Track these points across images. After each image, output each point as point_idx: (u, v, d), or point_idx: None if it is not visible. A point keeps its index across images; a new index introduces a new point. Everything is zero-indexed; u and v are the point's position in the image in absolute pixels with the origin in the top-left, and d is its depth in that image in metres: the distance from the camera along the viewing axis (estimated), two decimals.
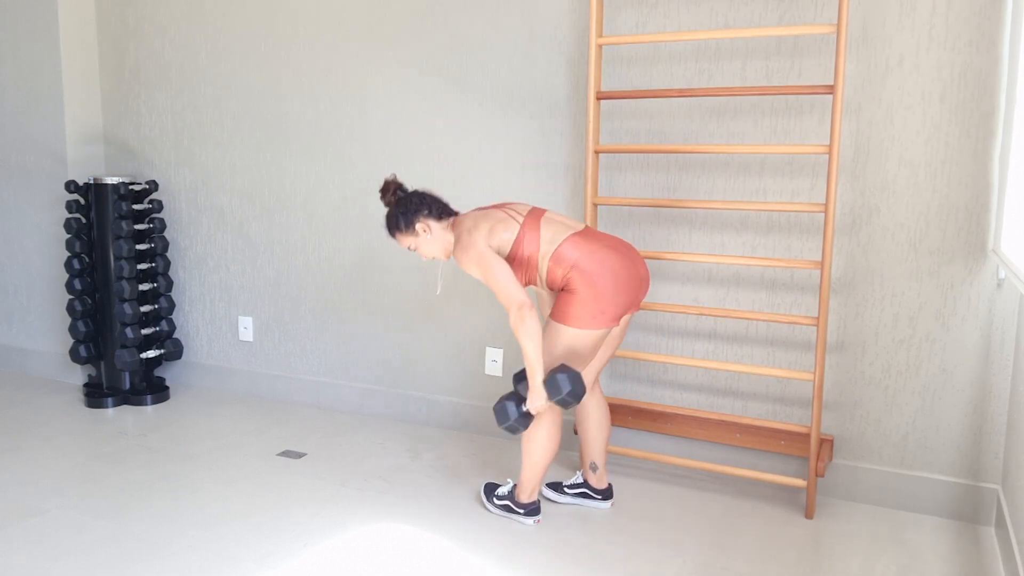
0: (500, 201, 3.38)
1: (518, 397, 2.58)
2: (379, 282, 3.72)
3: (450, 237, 2.64)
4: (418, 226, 2.61)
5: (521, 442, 2.70)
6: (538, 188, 3.33)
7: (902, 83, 2.74)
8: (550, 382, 2.50)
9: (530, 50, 3.28)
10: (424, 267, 3.60)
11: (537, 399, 2.51)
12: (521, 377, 2.64)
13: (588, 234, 2.59)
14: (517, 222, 2.58)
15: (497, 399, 2.71)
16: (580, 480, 2.93)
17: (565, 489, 2.93)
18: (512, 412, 2.56)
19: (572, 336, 2.53)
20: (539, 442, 2.64)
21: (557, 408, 2.60)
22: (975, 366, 2.76)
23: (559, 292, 2.59)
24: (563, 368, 2.49)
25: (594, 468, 2.88)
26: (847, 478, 2.95)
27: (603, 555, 2.55)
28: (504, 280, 2.48)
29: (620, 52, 3.13)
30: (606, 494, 2.90)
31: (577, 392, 2.48)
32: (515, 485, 2.78)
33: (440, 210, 2.64)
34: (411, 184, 3.58)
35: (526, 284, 2.62)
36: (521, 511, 2.74)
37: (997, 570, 2.49)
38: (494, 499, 2.81)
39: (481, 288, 3.49)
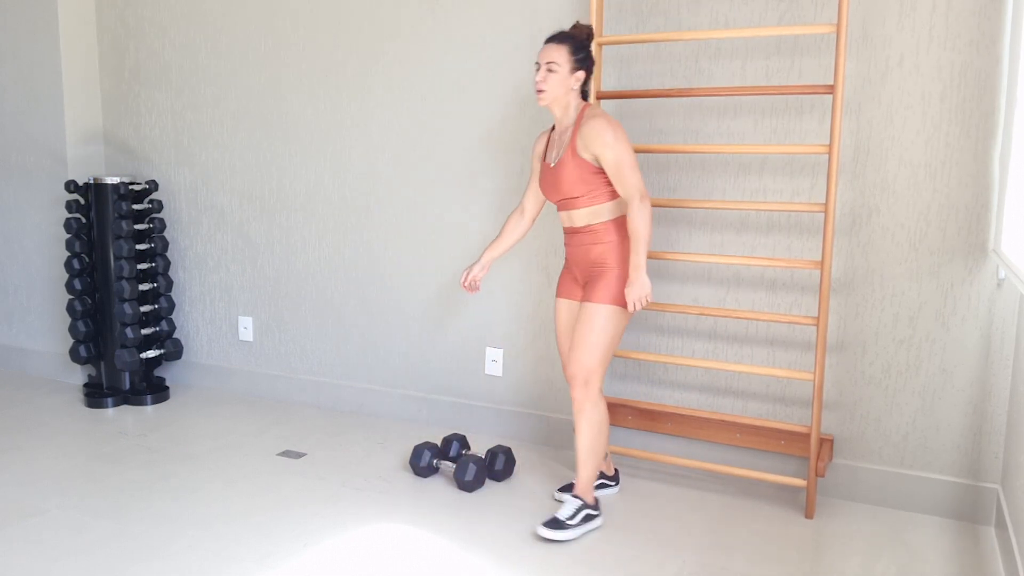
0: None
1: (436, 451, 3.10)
2: (379, 282, 3.72)
3: (574, 102, 2.62)
4: (578, 67, 2.58)
5: (579, 445, 2.67)
6: None
7: (902, 83, 2.74)
8: (463, 461, 2.96)
9: (530, 50, 3.27)
10: (424, 267, 3.60)
11: (639, 288, 2.53)
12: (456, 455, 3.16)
13: None
14: None
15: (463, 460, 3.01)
16: None
17: None
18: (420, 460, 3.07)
19: (619, 316, 2.61)
20: (597, 438, 2.66)
21: (598, 395, 2.64)
22: (975, 366, 2.76)
23: (597, 267, 2.63)
24: (476, 462, 2.94)
25: (605, 456, 2.90)
26: (847, 478, 2.95)
27: (603, 555, 2.55)
28: (635, 165, 2.54)
29: (620, 52, 3.13)
30: (616, 479, 3.00)
31: (478, 481, 2.95)
32: (581, 505, 2.68)
33: (586, 84, 2.66)
34: (409, 187, 3.58)
35: (611, 199, 2.62)
36: (596, 512, 2.72)
37: (997, 570, 2.49)
38: (565, 525, 2.62)
39: (480, 287, 3.49)
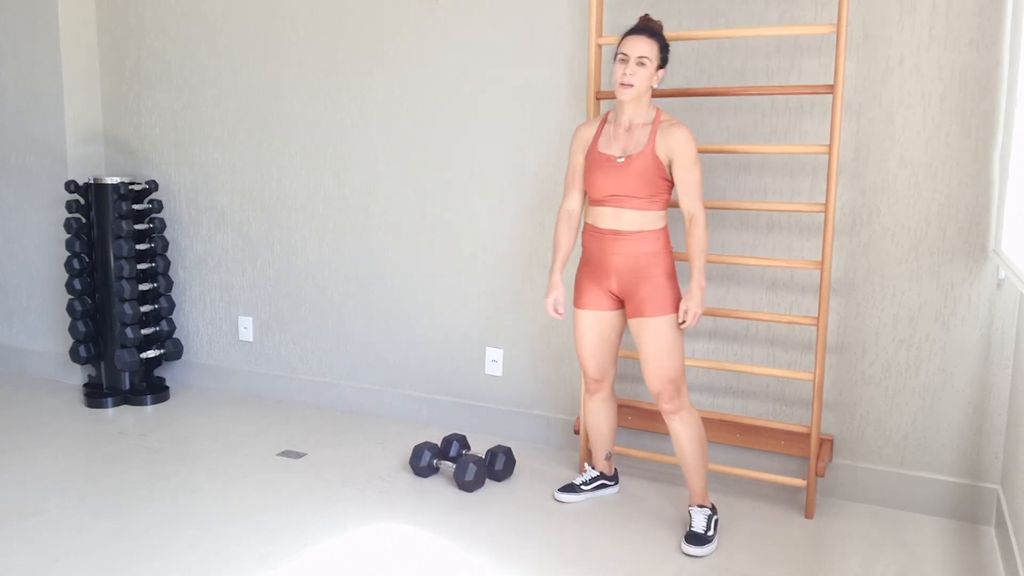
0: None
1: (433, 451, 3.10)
2: (379, 282, 3.72)
3: (647, 100, 2.55)
4: (662, 64, 2.52)
5: (686, 455, 2.63)
6: (538, 188, 3.33)
7: (902, 83, 2.74)
8: (463, 461, 2.96)
9: (530, 50, 3.27)
10: (424, 267, 3.60)
11: (699, 304, 2.51)
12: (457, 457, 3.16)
13: None
14: None
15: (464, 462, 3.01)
16: (595, 474, 2.96)
17: (581, 488, 2.94)
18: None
19: (678, 323, 2.57)
20: (702, 440, 2.65)
21: (690, 401, 2.64)
22: (975, 366, 2.76)
23: (646, 278, 2.55)
24: (476, 462, 2.96)
25: (609, 457, 2.93)
26: (847, 478, 2.95)
27: (603, 554, 2.55)
28: (702, 178, 2.55)
29: None
30: (615, 479, 3.01)
31: (478, 481, 2.96)
32: (709, 513, 2.65)
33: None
34: (409, 187, 3.58)
35: (664, 207, 2.60)
36: (717, 513, 2.70)
37: (997, 570, 2.49)
38: (708, 537, 2.60)
39: (481, 287, 3.49)
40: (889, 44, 2.74)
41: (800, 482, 2.82)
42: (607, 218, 2.58)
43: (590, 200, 2.66)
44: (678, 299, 2.57)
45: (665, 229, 2.59)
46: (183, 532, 2.65)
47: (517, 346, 3.46)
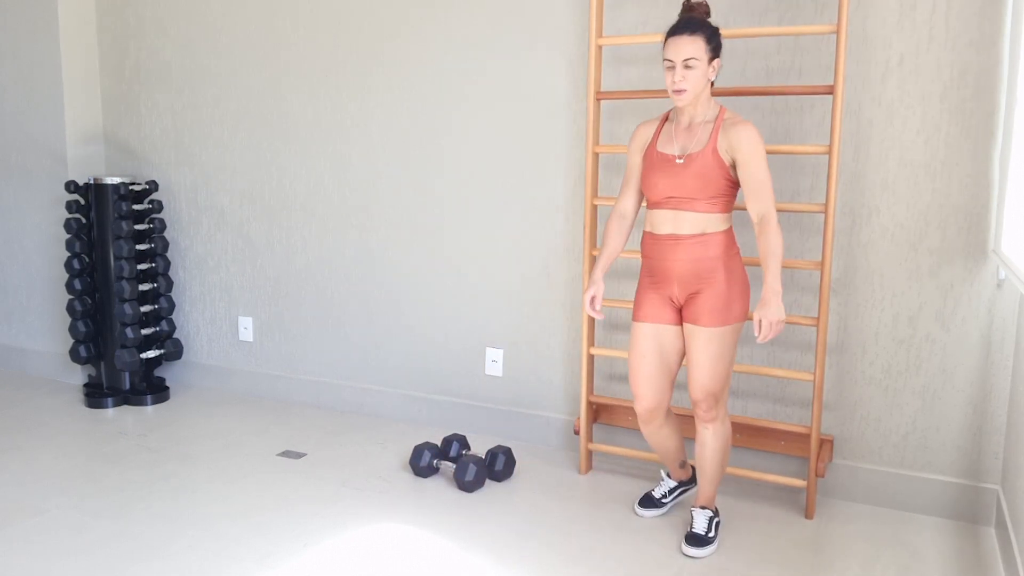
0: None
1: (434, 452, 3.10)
2: (379, 282, 3.72)
3: (705, 94, 2.42)
4: (714, 55, 2.37)
5: (707, 461, 2.58)
6: (538, 188, 3.33)
7: (902, 83, 2.74)
8: (463, 461, 2.96)
9: (530, 50, 3.27)
10: (424, 267, 3.60)
11: (776, 311, 2.32)
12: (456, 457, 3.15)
13: None
14: None
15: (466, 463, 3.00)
16: (673, 484, 2.85)
17: (662, 501, 2.84)
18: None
19: (736, 331, 2.47)
20: (726, 451, 2.60)
21: (726, 411, 2.58)
22: (975, 366, 2.76)
23: (708, 284, 2.43)
24: (476, 462, 2.96)
25: (683, 464, 2.82)
26: (847, 478, 2.95)
27: (603, 555, 2.55)
28: (770, 177, 2.43)
29: (620, 52, 3.13)
30: (693, 479, 2.90)
31: (478, 481, 2.96)
32: (712, 515, 2.64)
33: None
34: (409, 187, 3.58)
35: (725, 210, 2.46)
36: (719, 517, 2.68)
37: (997, 570, 2.49)
38: (708, 539, 2.58)
39: (481, 287, 3.49)
40: (889, 44, 2.74)
41: (800, 482, 2.82)
42: (664, 222, 2.47)
43: (648, 203, 2.53)
44: (742, 309, 2.47)
45: (729, 231, 2.45)
46: (183, 532, 2.65)
47: (517, 346, 3.46)
